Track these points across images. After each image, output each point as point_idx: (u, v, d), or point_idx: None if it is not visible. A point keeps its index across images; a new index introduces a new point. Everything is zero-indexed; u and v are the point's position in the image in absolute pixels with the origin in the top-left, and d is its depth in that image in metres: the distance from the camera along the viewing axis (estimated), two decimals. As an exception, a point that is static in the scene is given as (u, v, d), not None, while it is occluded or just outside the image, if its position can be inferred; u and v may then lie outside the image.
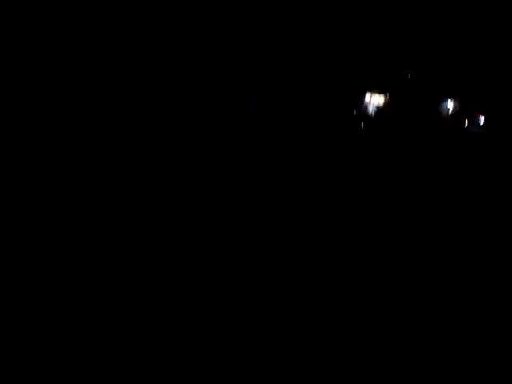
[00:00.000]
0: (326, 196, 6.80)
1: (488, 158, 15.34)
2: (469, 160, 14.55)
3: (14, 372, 2.53)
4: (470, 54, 17.04)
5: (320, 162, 10.59)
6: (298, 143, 11.59)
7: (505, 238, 5.68)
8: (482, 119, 16.77)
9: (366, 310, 3.27)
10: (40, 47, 9.98)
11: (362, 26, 15.99)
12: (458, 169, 13.15)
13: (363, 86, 16.80)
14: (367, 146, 14.91)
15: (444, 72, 16.92)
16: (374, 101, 17.43)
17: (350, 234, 4.88)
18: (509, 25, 16.15)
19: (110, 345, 2.79)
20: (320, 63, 14.72)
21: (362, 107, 17.16)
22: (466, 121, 16.72)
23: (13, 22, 9.81)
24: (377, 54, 16.59)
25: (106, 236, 4.04)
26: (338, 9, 15.98)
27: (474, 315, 3.38)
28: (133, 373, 2.65)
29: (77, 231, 4.05)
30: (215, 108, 10.72)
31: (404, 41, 16.78)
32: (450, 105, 17.08)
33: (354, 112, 16.04)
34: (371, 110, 17.38)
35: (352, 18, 16.07)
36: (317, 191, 7.02)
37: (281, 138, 11.66)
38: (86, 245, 3.80)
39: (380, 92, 17.41)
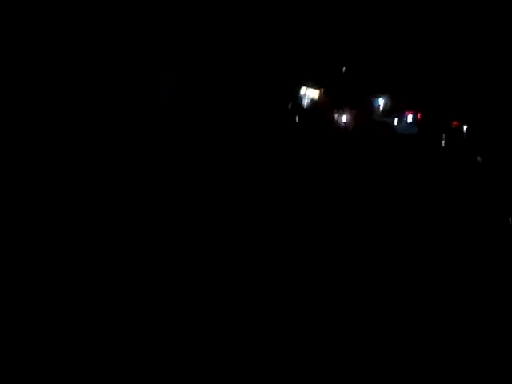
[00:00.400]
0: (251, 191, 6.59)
1: (414, 160, 15.70)
2: (393, 160, 14.87)
3: (13, 372, 2.32)
4: (404, 52, 17.44)
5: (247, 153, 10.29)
6: (223, 132, 11.09)
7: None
8: (410, 118, 17.23)
9: (366, 310, 3.19)
10: (40, 47, 9.49)
11: (297, 20, 15.98)
12: (382, 167, 13.43)
13: (298, 80, 16.86)
14: (300, 138, 14.91)
15: (377, 68, 17.25)
16: (309, 94, 17.56)
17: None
18: (438, 24, 16.63)
19: (110, 345, 2.60)
20: (253, 54, 14.56)
21: (297, 100, 17.24)
22: (396, 119, 17.13)
23: (13, 22, 9.29)
24: (312, 48, 16.68)
25: (103, 233, 3.87)
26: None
27: (473, 315, 3.36)
28: (133, 373, 2.47)
29: (76, 230, 3.85)
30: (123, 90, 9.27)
31: (339, 37, 16.97)
32: (382, 102, 17.45)
33: (289, 105, 16.06)
34: (305, 103, 17.50)
35: (287, 12, 16.01)
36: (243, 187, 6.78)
37: (201, 127, 10.64)
38: (86, 243, 3.61)
39: (315, 86, 17.55)
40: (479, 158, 16.63)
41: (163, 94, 10.38)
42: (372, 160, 14.80)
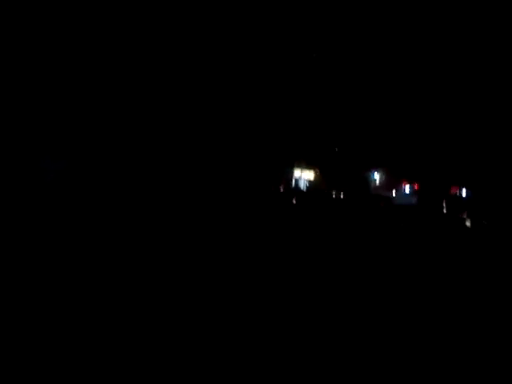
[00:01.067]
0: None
1: (414, 229, 15.54)
2: (395, 230, 14.73)
3: (13, 372, 2.33)
4: (395, 125, 17.82)
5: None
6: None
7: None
8: (408, 189, 17.27)
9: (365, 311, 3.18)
10: (40, 47, 9.70)
11: (285, 100, 16.55)
12: (384, 238, 13.30)
13: (291, 162, 17.22)
14: (299, 218, 14.93)
15: (370, 144, 17.57)
16: (304, 176, 17.85)
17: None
18: (429, 103, 17.09)
19: (110, 345, 2.60)
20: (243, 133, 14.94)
21: (293, 182, 17.50)
22: (394, 191, 17.20)
23: (13, 22, 9.59)
24: (304, 129, 17.15)
25: (105, 236, 3.95)
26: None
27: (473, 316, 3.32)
28: (133, 373, 2.45)
29: (77, 231, 3.95)
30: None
31: (329, 115, 17.49)
32: (377, 176, 17.61)
33: (281, 188, 16.28)
34: (302, 184, 17.74)
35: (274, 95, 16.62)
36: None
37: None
38: (87, 245, 3.69)
39: (309, 167, 17.87)
40: (484, 222, 16.39)
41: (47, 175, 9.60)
42: (374, 233, 14.68)
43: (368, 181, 17.36)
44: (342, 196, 17.07)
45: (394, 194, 17.04)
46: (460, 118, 17.77)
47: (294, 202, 16.97)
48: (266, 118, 15.99)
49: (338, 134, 18.25)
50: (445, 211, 17.08)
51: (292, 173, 17.45)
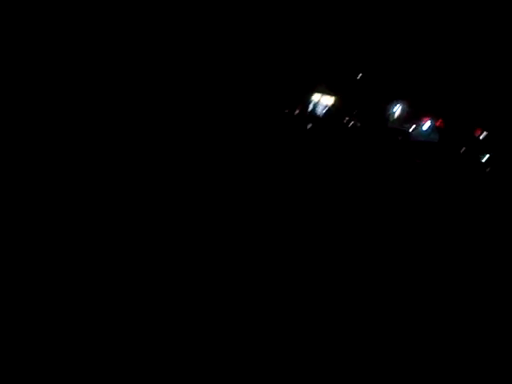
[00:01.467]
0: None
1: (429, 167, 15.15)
2: (407, 165, 14.38)
3: (13, 372, 2.40)
4: (420, 57, 16.97)
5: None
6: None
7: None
8: (428, 124, 16.63)
9: (365, 310, 3.17)
10: (40, 47, 9.77)
11: (309, 25, 15.84)
12: (394, 172, 12.99)
13: (310, 86, 16.64)
14: (311, 145, 14.66)
15: (393, 74, 16.82)
16: (323, 101, 17.29)
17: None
18: (455, 31, 16.09)
19: (110, 345, 2.66)
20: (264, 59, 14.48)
21: (310, 107, 17.01)
22: (413, 126, 16.58)
23: (13, 22, 9.63)
24: (325, 54, 16.47)
25: (106, 236, 3.94)
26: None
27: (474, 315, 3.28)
28: (133, 373, 2.51)
29: (76, 231, 3.95)
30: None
31: (353, 43, 16.70)
32: (398, 108, 16.95)
33: (297, 111, 15.84)
34: (320, 110, 17.23)
35: (300, 17, 15.95)
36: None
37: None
38: (86, 245, 3.70)
39: (329, 92, 17.27)
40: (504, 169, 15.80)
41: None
42: (386, 168, 14.36)
43: (387, 112, 16.76)
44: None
45: (411, 129, 16.46)
46: (490, 56, 16.74)
47: (309, 126, 16.61)
48: (285, 38, 15.35)
49: (362, 60, 17.48)
50: (464, 151, 16.47)
51: (310, 96, 16.94)
